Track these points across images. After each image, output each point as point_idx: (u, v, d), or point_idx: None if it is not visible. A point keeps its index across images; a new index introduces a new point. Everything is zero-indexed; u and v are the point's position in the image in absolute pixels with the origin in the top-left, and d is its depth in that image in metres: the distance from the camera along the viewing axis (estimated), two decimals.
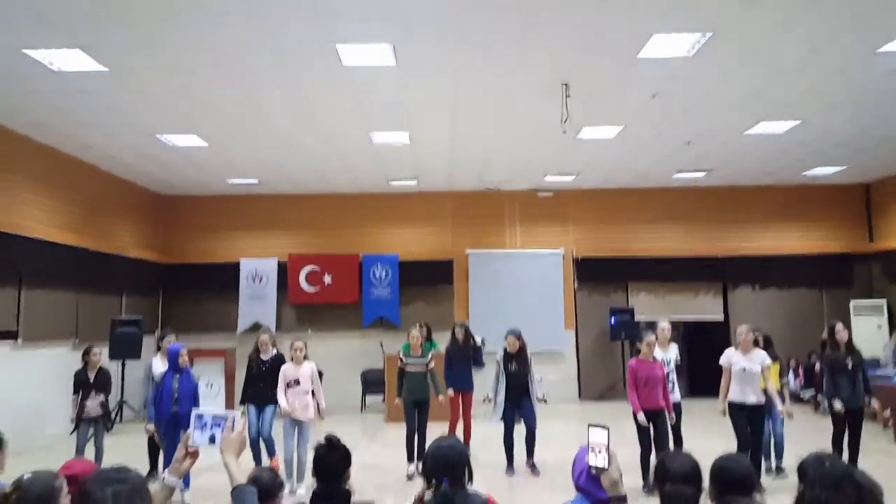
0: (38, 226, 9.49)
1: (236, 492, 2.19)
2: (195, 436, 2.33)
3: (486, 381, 8.63)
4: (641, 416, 6.53)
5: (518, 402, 7.51)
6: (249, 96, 7.70)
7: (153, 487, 2.34)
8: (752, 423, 6.60)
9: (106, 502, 1.73)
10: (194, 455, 2.33)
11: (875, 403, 7.05)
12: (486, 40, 6.29)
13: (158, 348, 7.72)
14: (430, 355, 7.86)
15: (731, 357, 6.77)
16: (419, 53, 6.55)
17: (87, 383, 7.17)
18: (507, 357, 7.58)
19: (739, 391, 6.64)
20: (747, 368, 6.62)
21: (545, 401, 7.73)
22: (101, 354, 7.45)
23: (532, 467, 7.44)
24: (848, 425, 6.82)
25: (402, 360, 7.81)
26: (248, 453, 7.22)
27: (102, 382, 7.28)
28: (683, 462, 2.57)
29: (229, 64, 6.73)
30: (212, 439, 2.33)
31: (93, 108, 8.04)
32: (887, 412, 9.28)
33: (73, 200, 10.45)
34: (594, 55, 6.66)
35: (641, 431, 6.63)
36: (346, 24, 5.86)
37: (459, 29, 6.01)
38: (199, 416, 2.36)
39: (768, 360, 6.75)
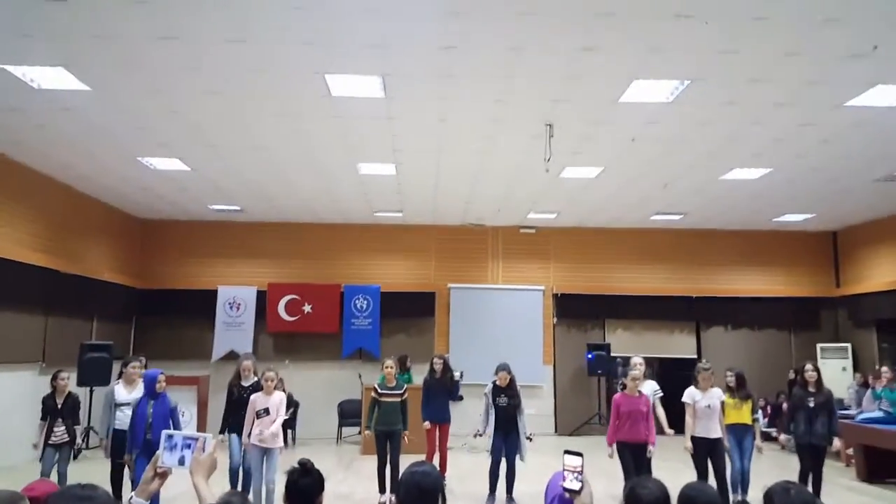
0: (8, 245, 9.29)
1: None
2: (164, 456, 2.30)
3: (465, 415, 8.70)
4: (610, 451, 6.74)
5: (505, 436, 7.53)
6: (235, 122, 7.75)
7: None
8: (712, 455, 6.91)
9: None
10: (163, 476, 2.30)
11: (837, 442, 7.31)
12: (473, 78, 6.48)
13: (121, 374, 7.57)
14: (404, 387, 7.87)
15: (693, 395, 7.09)
16: (407, 87, 6.71)
17: (54, 409, 7.02)
18: (497, 390, 7.64)
19: (703, 427, 6.96)
20: (711, 405, 6.96)
21: (530, 438, 7.77)
22: (69, 379, 7.30)
23: (510, 500, 7.46)
24: (812, 463, 7.08)
25: (376, 390, 7.81)
26: (223, 479, 7.14)
27: (70, 408, 7.13)
28: (653, 489, 2.65)
29: (215, 88, 6.77)
30: (181, 461, 2.31)
31: (73, 127, 7.97)
32: (850, 450, 9.51)
33: (46, 220, 10.25)
34: (577, 97, 6.90)
35: (625, 462, 6.75)
36: (336, 55, 5.97)
37: (448, 66, 6.19)
38: (170, 437, 2.33)
39: (722, 397, 7.17)
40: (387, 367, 7.81)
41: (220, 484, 7.10)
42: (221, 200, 11.77)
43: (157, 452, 2.33)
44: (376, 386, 7.86)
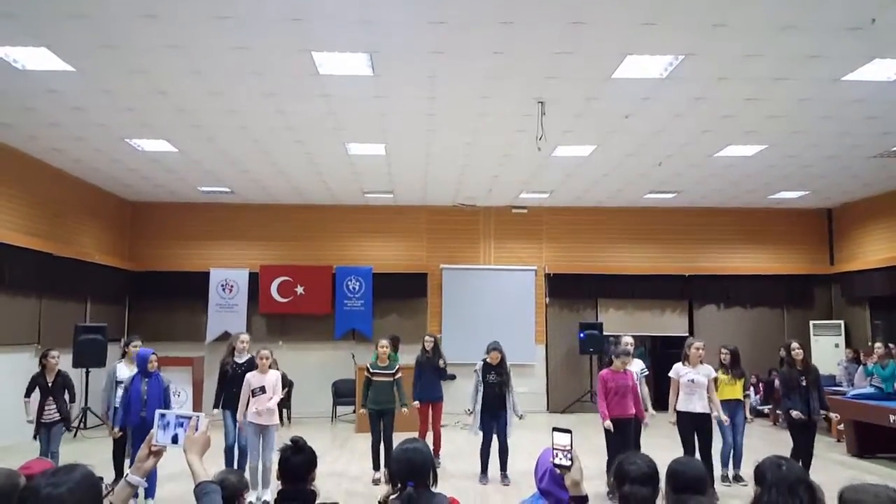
0: (0, 229, 9.27)
1: (199, 488, 2.19)
2: (158, 435, 2.33)
3: (458, 393, 8.76)
4: (608, 424, 6.73)
5: (495, 414, 7.56)
6: (222, 102, 7.64)
7: (117, 486, 2.34)
8: (699, 430, 6.95)
9: (45, 491, 1.73)
10: (157, 454, 2.33)
11: (834, 416, 7.45)
12: (463, 55, 6.36)
13: (124, 354, 7.61)
14: (396, 367, 7.92)
15: (678, 370, 7.15)
16: (396, 65, 6.60)
17: (45, 387, 7.04)
18: (487, 368, 7.66)
19: (686, 401, 7.01)
20: (695, 380, 6.99)
21: (521, 417, 7.82)
22: (59, 358, 7.31)
23: (504, 478, 7.52)
24: (804, 439, 7.16)
25: (368, 370, 7.84)
26: (219, 458, 7.15)
27: (61, 386, 7.15)
28: (640, 464, 2.68)
29: (200, 68, 6.65)
30: (174, 439, 2.33)
31: (60, 109, 7.88)
32: (841, 425, 9.60)
33: (37, 204, 10.23)
34: (570, 74, 6.79)
35: (611, 439, 6.80)
36: (323, 31, 5.85)
37: (437, 42, 6.08)
38: (162, 416, 2.36)
39: (714, 373, 7.21)
40: (381, 347, 7.86)
41: (216, 462, 7.14)
42: (210, 182, 11.66)
43: (151, 431, 2.35)
44: (368, 366, 7.91)
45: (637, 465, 2.69)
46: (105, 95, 7.44)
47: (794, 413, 7.06)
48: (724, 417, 7.13)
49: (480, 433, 7.66)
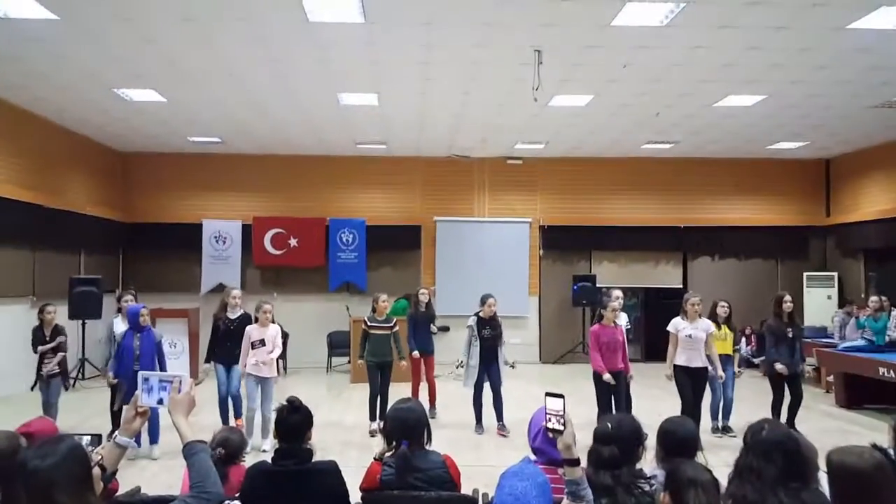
0: None
1: (188, 448, 2.22)
2: (143, 397, 2.36)
3: (451, 344, 8.85)
4: (608, 376, 6.79)
5: (488, 367, 7.68)
6: (211, 51, 7.43)
7: (106, 447, 2.35)
8: (695, 385, 6.99)
9: (31, 464, 1.75)
10: (143, 414, 2.37)
11: (807, 368, 7.60)
12: (459, 2, 6.17)
13: (119, 309, 7.64)
14: (394, 320, 7.98)
15: (677, 325, 7.12)
16: (388, 12, 6.40)
17: (44, 341, 7.10)
18: (481, 322, 7.71)
19: (686, 356, 7.00)
20: (693, 335, 6.98)
21: (513, 366, 7.94)
22: (56, 312, 7.34)
23: (501, 427, 7.64)
24: (789, 390, 7.29)
25: (366, 322, 7.87)
26: (214, 409, 7.26)
27: (55, 338, 7.15)
28: (607, 424, 2.79)
29: (188, 15, 6.44)
30: (160, 401, 2.36)
31: (44, 58, 7.68)
32: (831, 377, 9.77)
33: (27, 155, 10.08)
34: (568, 21, 6.61)
35: (601, 392, 6.90)
36: None
37: None
38: (146, 379, 2.38)
39: (712, 328, 7.17)
40: (382, 302, 7.90)
41: (212, 412, 7.26)
42: (200, 132, 11.48)
43: (136, 392, 2.37)
44: (366, 318, 7.94)
45: (603, 425, 2.79)
46: (91, 44, 7.23)
47: (779, 366, 7.18)
48: (721, 374, 7.17)
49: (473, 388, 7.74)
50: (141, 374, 2.40)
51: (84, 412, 8.10)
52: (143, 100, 9.38)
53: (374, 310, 7.94)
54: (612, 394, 6.88)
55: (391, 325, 7.88)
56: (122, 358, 6.50)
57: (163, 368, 6.59)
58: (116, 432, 2.37)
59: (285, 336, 12.17)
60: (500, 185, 13.77)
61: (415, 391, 8.25)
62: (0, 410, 7.89)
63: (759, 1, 6.10)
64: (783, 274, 13.93)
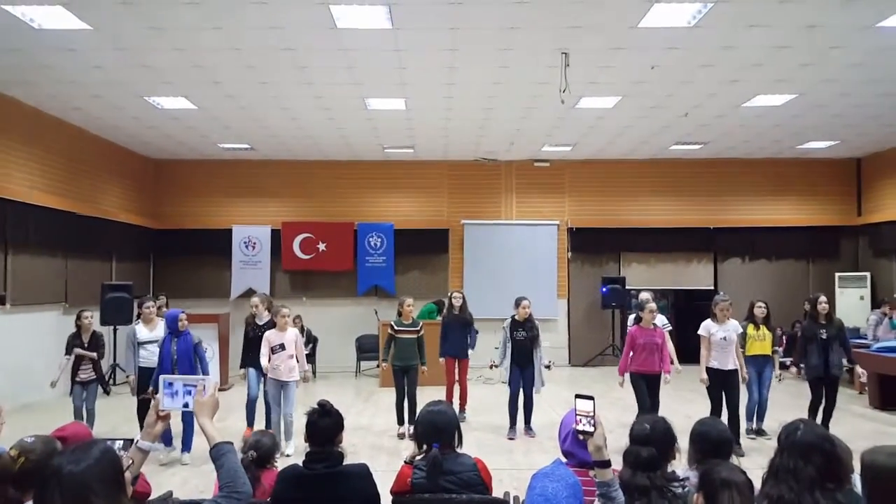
0: (24, 189, 9.36)
1: (216, 450, 2.24)
2: (164, 401, 2.39)
3: (479, 348, 8.84)
4: (620, 379, 6.86)
5: (523, 370, 7.63)
6: (239, 58, 7.55)
7: (130, 453, 2.38)
8: (728, 386, 6.90)
9: (66, 469, 1.76)
10: (165, 419, 2.40)
11: (858, 369, 7.40)
12: (484, 5, 6.19)
13: (139, 315, 7.68)
14: (420, 324, 7.99)
15: (709, 328, 7.02)
16: (415, 17, 6.45)
17: (81, 348, 7.20)
18: (515, 324, 7.69)
19: (718, 359, 6.92)
20: (727, 337, 6.90)
21: (549, 367, 7.92)
22: (93, 318, 7.47)
23: (528, 430, 7.63)
24: (824, 392, 7.12)
25: (393, 326, 7.91)
26: (242, 412, 7.34)
27: (95, 346, 7.30)
28: (644, 425, 2.75)
29: (217, 23, 6.56)
30: (186, 405, 2.40)
31: (78, 67, 7.86)
32: (864, 377, 9.55)
33: (60, 163, 10.31)
34: (594, 23, 6.59)
35: (640, 393, 6.89)
36: None
37: None
38: (169, 383, 2.41)
39: (740, 330, 7.14)
40: (406, 306, 7.92)
41: (241, 417, 7.35)
42: (230, 139, 11.64)
43: (157, 397, 2.41)
44: (392, 322, 7.97)
45: (641, 426, 2.76)
46: (122, 53, 7.39)
47: (793, 370, 7.14)
48: (745, 374, 7.10)
49: (509, 388, 7.71)
50: (163, 379, 2.44)
51: (115, 418, 8.22)
52: (174, 107, 9.55)
53: (399, 314, 7.97)
54: (651, 395, 6.87)
55: (417, 328, 7.90)
56: (162, 364, 6.53)
57: (204, 371, 6.68)
58: (138, 436, 2.40)
59: (314, 340, 12.34)
60: (528, 187, 13.74)
61: (449, 393, 8.26)
62: (34, 415, 8.04)
63: None
64: (815, 275, 13.68)
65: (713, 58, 7.57)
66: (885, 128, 10.94)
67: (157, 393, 6.50)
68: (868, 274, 13.14)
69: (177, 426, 6.57)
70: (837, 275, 13.32)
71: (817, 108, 9.72)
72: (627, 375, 7.01)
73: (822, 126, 10.81)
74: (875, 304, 12.31)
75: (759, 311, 7.53)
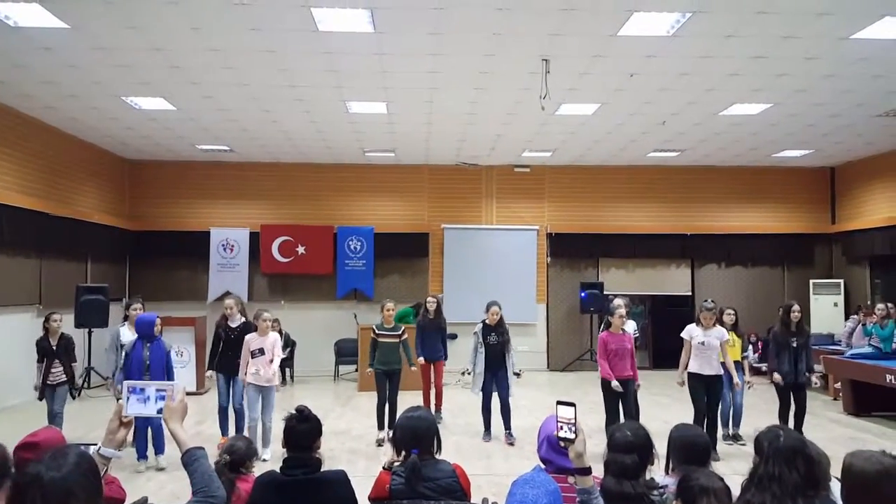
0: None
1: (187, 455, 2.22)
2: (129, 407, 2.35)
3: (458, 352, 8.86)
4: (615, 384, 6.75)
5: (495, 373, 7.66)
6: (218, 59, 7.48)
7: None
8: (709, 392, 6.95)
9: (48, 476, 1.73)
10: (128, 425, 2.35)
11: (815, 380, 7.47)
12: (465, 11, 6.21)
13: (126, 318, 7.59)
14: (402, 328, 7.99)
15: (691, 332, 7.08)
16: (397, 22, 6.45)
17: (50, 351, 7.05)
18: (487, 329, 7.71)
19: (698, 364, 6.96)
20: (706, 342, 6.95)
21: (519, 375, 7.92)
22: (62, 321, 7.30)
23: (508, 436, 7.62)
24: (793, 399, 7.20)
25: (375, 330, 7.89)
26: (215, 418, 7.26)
27: (64, 348, 7.15)
28: (626, 433, 2.73)
29: (197, 24, 6.50)
30: (160, 411, 2.37)
31: (54, 66, 7.73)
32: (837, 384, 9.72)
33: (35, 164, 10.14)
34: (575, 31, 6.64)
35: (609, 399, 6.86)
36: None
37: None
38: (141, 390, 2.38)
39: (726, 336, 7.13)
40: (387, 310, 7.90)
41: (216, 422, 7.27)
42: (209, 140, 11.54)
43: (119, 402, 2.37)
44: (374, 327, 7.94)
45: (623, 433, 2.74)
46: (100, 53, 7.29)
47: (776, 377, 7.14)
48: (737, 381, 7.13)
49: (481, 394, 7.75)
50: (126, 384, 2.39)
51: (89, 422, 8.10)
52: (152, 108, 9.44)
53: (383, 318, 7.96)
54: (621, 401, 6.84)
55: (399, 332, 7.89)
56: (131, 368, 6.34)
57: (170, 378, 6.49)
58: (100, 443, 2.34)
59: (293, 344, 12.25)
60: (508, 192, 13.80)
61: (425, 397, 8.28)
62: (8, 419, 7.91)
63: (764, 10, 6.12)
64: (790, 281, 13.91)
65: (691, 67, 7.67)
66: (857, 137, 11.16)
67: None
68: (842, 281, 13.40)
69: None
70: (812, 281, 13.56)
71: (792, 118, 9.89)
72: (613, 381, 6.84)
73: (796, 135, 11.00)
74: (849, 310, 12.53)
75: (728, 317, 7.63)
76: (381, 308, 8.05)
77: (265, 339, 6.92)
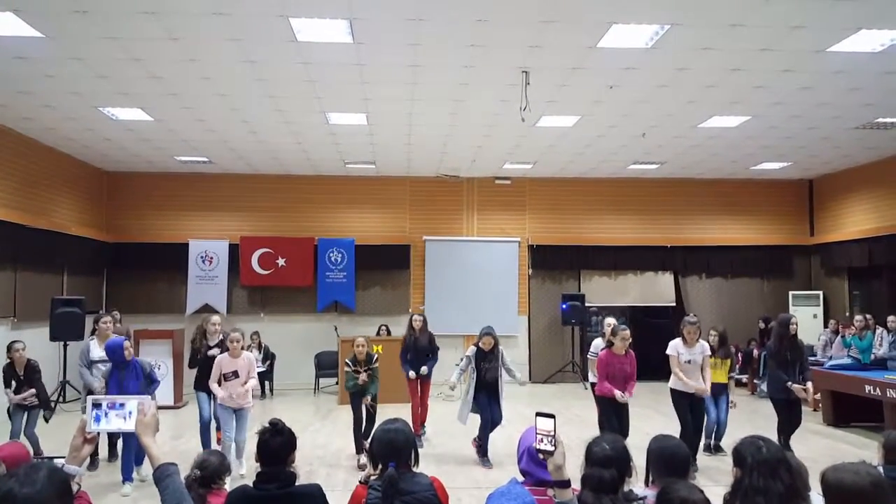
0: None
1: (159, 472, 2.19)
2: (91, 423, 2.31)
3: (441, 365, 8.78)
4: (619, 394, 6.54)
5: (488, 400, 7.37)
6: (197, 69, 7.41)
7: None
8: (692, 408, 6.91)
9: (22, 493, 1.70)
10: (91, 441, 2.33)
11: (809, 387, 7.42)
12: (446, 23, 6.22)
13: (94, 330, 7.40)
14: (375, 357, 7.58)
15: (677, 348, 7.04)
16: (376, 32, 6.43)
17: (18, 379, 6.93)
18: (480, 354, 7.42)
19: (684, 381, 6.90)
20: (692, 360, 6.94)
21: (523, 383, 7.75)
22: (24, 349, 7.06)
23: (479, 448, 7.36)
24: (790, 413, 7.11)
25: (348, 364, 7.52)
26: (195, 435, 7.12)
27: (30, 377, 6.99)
28: (605, 446, 2.68)
29: (175, 34, 6.44)
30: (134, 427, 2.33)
31: (29, 76, 7.61)
32: (818, 395, 9.75)
33: (10, 174, 9.97)
34: (555, 43, 6.67)
35: (607, 416, 6.73)
36: None
37: (419, 9, 5.93)
38: (97, 405, 2.34)
39: (708, 351, 7.09)
40: (357, 347, 7.49)
41: (195, 436, 7.13)
42: (187, 152, 11.43)
43: (83, 417, 2.33)
44: (348, 361, 7.57)
45: (601, 447, 2.69)
46: (76, 63, 7.19)
47: (796, 386, 6.87)
48: (707, 391, 6.94)
49: (468, 422, 7.42)
50: (90, 399, 2.35)
51: (65, 436, 7.91)
52: (130, 119, 9.33)
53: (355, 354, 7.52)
54: (616, 414, 6.68)
55: (371, 364, 7.46)
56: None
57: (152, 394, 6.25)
58: (63, 461, 2.29)
59: (272, 357, 12.12)
60: (489, 204, 13.81)
61: (414, 412, 8.13)
62: None
63: (741, 23, 6.19)
64: (769, 293, 14.02)
65: (669, 79, 7.74)
66: (834, 150, 11.31)
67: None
68: (821, 292, 13.55)
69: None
70: (791, 293, 13.69)
71: (770, 130, 10.01)
72: (616, 393, 6.63)
73: (775, 147, 11.13)
74: (827, 322, 12.64)
75: (712, 339, 7.47)
76: (352, 343, 7.68)
77: (237, 360, 6.68)
